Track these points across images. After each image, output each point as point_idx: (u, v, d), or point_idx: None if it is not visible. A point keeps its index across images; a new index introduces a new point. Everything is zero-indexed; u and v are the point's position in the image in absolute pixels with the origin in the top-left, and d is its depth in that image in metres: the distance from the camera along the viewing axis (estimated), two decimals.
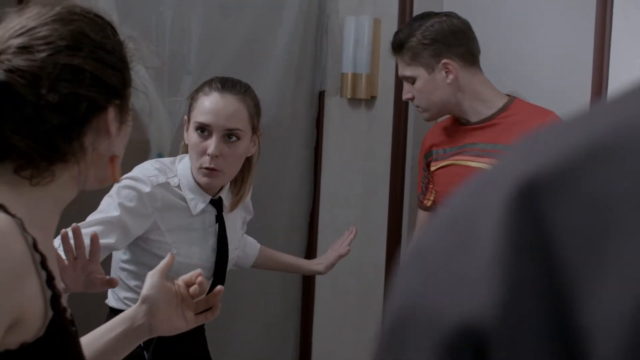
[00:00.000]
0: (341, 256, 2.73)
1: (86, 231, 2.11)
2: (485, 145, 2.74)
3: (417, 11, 3.27)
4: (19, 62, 1.25)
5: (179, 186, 2.36)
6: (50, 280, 1.25)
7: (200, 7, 3.13)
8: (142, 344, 2.34)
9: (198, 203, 2.38)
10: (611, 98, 0.53)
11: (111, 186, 2.29)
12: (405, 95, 2.84)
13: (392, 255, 3.38)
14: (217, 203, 2.43)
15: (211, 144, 2.31)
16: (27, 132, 1.26)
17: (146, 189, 2.29)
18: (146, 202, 2.29)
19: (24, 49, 1.26)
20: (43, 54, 1.26)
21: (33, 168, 1.28)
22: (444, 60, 2.74)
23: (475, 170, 2.71)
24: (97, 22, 1.35)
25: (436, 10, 2.96)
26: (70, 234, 1.83)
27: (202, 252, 2.41)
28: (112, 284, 1.95)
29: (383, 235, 3.42)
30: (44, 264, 1.24)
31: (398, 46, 2.77)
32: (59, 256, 1.81)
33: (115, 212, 2.24)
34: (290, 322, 3.64)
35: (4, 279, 1.18)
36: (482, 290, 0.48)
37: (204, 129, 2.33)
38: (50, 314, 1.24)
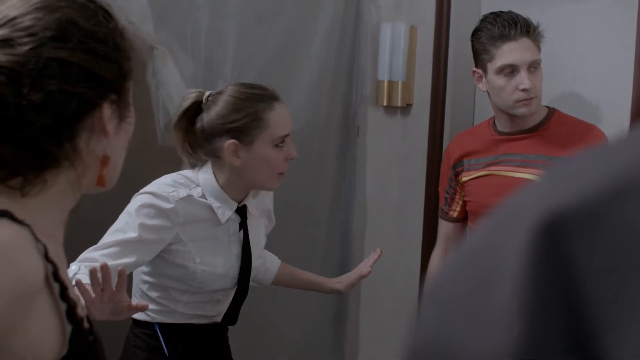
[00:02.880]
0: (362, 276, 2.70)
1: (107, 252, 2.14)
2: (526, 156, 2.68)
3: (454, 18, 3.26)
4: None
5: (203, 196, 2.34)
6: (63, 292, 1.16)
7: (235, 13, 3.13)
8: (167, 353, 2.34)
9: (225, 211, 2.36)
10: (637, 129, 0.51)
11: (127, 198, 2.28)
12: (529, 85, 2.59)
13: (427, 262, 3.36)
14: (241, 210, 2.41)
15: (289, 148, 2.35)
16: (10, 138, 1.13)
17: (167, 205, 2.27)
18: (168, 218, 2.27)
19: (4, 42, 1.12)
20: (25, 47, 1.12)
21: (22, 177, 1.15)
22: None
23: (518, 181, 2.67)
24: (87, 7, 1.20)
25: (473, 19, 2.93)
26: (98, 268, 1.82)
27: (226, 261, 2.39)
28: (140, 308, 1.95)
29: (418, 243, 3.41)
30: (56, 275, 1.16)
31: (531, 27, 2.59)
32: (85, 289, 1.80)
33: (134, 233, 2.22)
34: (326, 329, 3.63)
35: (13, 300, 1.08)
36: (506, 330, 0.47)
37: (284, 140, 2.34)
38: (69, 328, 1.17)
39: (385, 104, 3.46)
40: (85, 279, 1.93)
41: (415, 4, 3.41)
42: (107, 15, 1.23)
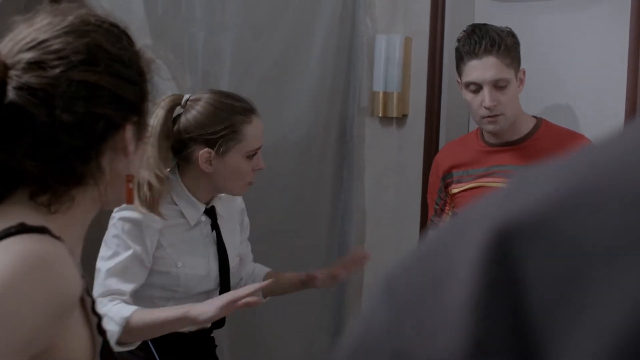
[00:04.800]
0: (334, 277, 2.69)
1: (112, 281, 2.24)
2: (516, 167, 2.68)
3: (448, 30, 3.28)
4: (30, 79, 1.15)
5: (171, 201, 2.37)
6: (93, 305, 1.20)
7: (232, 27, 3.15)
8: (156, 356, 2.34)
9: (193, 213, 2.40)
10: (596, 142, 0.54)
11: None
12: (493, 102, 2.60)
13: None
14: (210, 212, 2.45)
15: (258, 159, 2.40)
16: (42, 156, 1.16)
17: (140, 214, 2.29)
18: (147, 226, 2.30)
19: (35, 65, 1.16)
20: (56, 70, 1.15)
21: (50, 194, 1.19)
22: (523, 69, 2.68)
23: None
24: (113, 32, 1.24)
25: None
26: None
27: (205, 262, 2.43)
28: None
29: None
30: (88, 290, 1.20)
31: (496, 44, 2.59)
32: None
33: (127, 252, 2.27)
34: (325, 339, 3.63)
35: (58, 314, 1.11)
36: (453, 334, 0.48)
37: (256, 152, 2.38)
38: (100, 340, 1.20)
39: (380, 114, 3.48)
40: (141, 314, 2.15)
41: (409, 16, 3.44)
42: (129, 39, 1.27)
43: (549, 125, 2.75)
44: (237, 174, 2.37)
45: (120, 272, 2.25)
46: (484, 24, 2.69)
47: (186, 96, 2.36)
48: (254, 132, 2.36)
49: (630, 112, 2.80)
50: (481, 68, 2.60)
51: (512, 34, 2.67)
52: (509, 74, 2.61)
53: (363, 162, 3.57)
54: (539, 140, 2.71)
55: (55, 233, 1.15)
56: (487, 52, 2.59)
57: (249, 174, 2.38)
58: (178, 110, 2.34)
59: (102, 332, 1.21)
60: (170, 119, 2.33)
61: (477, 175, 2.77)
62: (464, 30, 2.71)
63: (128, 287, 2.25)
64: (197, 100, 2.35)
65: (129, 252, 2.27)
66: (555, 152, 2.65)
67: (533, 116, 2.78)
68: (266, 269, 2.74)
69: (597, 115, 2.95)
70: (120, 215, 2.29)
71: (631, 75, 2.80)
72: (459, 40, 2.70)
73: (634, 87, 2.79)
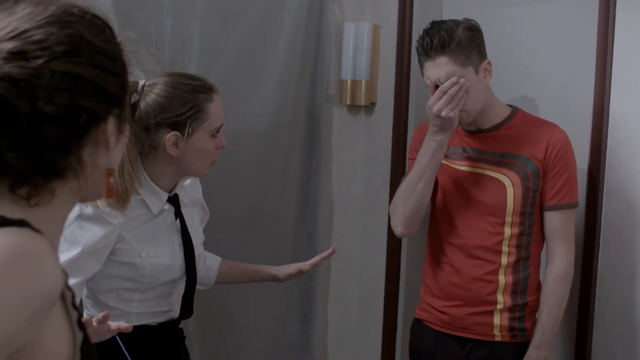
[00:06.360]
0: (301, 272, 2.71)
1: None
2: (486, 153, 2.72)
3: (416, 18, 3.27)
4: (11, 69, 1.12)
5: (135, 191, 2.34)
6: (73, 299, 1.19)
7: (199, 14, 3.13)
8: (124, 350, 2.33)
9: (157, 202, 2.39)
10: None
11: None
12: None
13: (393, 262, 3.38)
14: (173, 200, 2.43)
15: (221, 138, 2.40)
16: (22, 148, 1.14)
17: (101, 209, 2.27)
18: (106, 222, 2.27)
19: (17, 55, 1.13)
20: (39, 61, 1.13)
21: (30, 186, 1.17)
22: (487, 60, 2.67)
23: (480, 177, 2.71)
24: (95, 24, 1.21)
25: (435, 18, 2.95)
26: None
27: (170, 252, 2.41)
28: (124, 329, 2.03)
29: (383, 242, 3.42)
30: (68, 285, 1.18)
31: (446, 44, 2.58)
32: None
33: (76, 250, 2.24)
34: (293, 329, 3.63)
35: (40, 309, 1.09)
36: None
37: (219, 130, 2.39)
38: (80, 335, 1.19)
39: (349, 103, 3.47)
40: None
41: (378, 3, 3.43)
42: (111, 32, 1.24)
43: (525, 115, 2.77)
44: (204, 154, 2.37)
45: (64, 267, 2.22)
46: (441, 21, 2.67)
47: (141, 82, 2.32)
48: (216, 109, 2.36)
49: (598, 102, 2.82)
50: (434, 68, 2.61)
51: (469, 28, 2.64)
52: (463, 70, 2.61)
53: (331, 150, 3.56)
54: (513, 129, 2.73)
55: (35, 226, 1.13)
56: (438, 52, 2.60)
57: (213, 152, 2.38)
58: (134, 97, 2.30)
59: (82, 327, 1.19)
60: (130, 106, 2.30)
61: (452, 154, 2.79)
62: (424, 29, 2.69)
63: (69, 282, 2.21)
64: (154, 84, 2.33)
65: (77, 251, 2.23)
66: (528, 141, 2.68)
67: (509, 105, 2.79)
68: (218, 258, 2.74)
69: (565, 106, 2.96)
70: (77, 212, 2.25)
71: (599, 66, 2.81)
72: (418, 39, 2.69)
73: (602, 77, 2.80)
